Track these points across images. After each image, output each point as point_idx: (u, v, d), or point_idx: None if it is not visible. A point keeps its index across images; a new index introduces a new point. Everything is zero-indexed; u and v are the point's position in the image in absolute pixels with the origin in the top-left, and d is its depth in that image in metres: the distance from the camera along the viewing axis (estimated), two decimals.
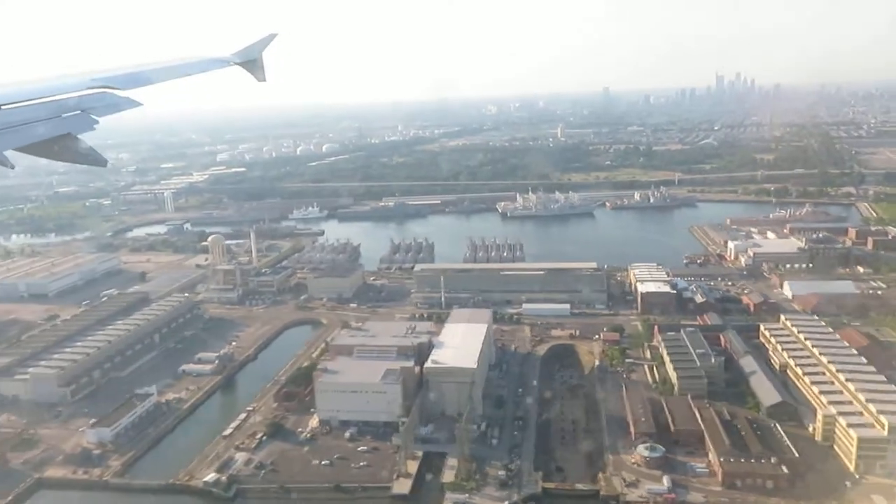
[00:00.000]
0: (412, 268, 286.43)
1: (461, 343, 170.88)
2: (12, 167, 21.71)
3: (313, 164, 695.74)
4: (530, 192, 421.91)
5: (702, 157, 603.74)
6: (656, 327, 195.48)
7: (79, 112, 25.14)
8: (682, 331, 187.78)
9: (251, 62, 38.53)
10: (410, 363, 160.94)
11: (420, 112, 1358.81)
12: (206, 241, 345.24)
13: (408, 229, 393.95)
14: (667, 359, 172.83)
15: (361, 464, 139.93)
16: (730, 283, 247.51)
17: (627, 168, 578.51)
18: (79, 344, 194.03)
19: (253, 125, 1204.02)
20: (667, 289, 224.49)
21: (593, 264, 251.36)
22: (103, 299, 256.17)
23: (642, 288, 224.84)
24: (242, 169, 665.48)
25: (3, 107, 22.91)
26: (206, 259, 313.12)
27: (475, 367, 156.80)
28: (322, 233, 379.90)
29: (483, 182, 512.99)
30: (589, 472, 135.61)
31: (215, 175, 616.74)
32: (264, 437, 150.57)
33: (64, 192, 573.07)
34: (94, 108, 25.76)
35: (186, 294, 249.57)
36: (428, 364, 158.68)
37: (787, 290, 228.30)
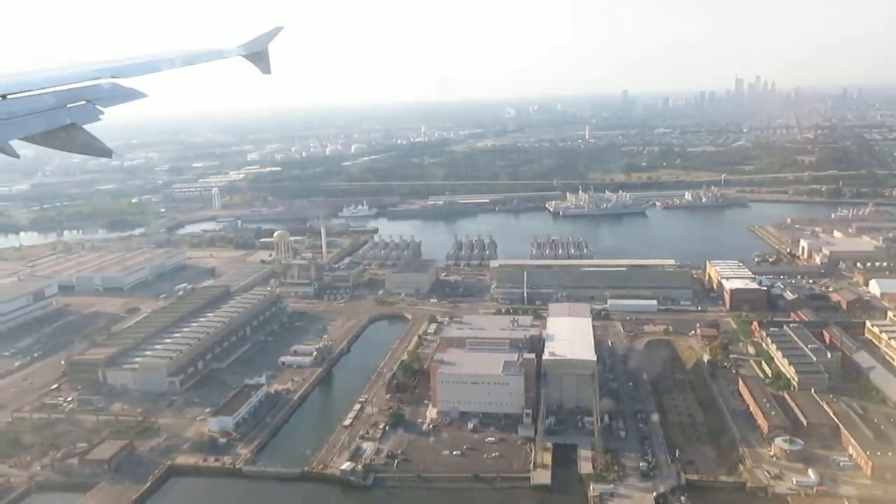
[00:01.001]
0: (479, 264, 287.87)
1: (571, 336, 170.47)
2: (17, 157, 21.94)
3: (347, 163, 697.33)
4: (580, 192, 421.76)
5: (740, 159, 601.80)
6: (755, 323, 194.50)
7: (84, 102, 25.02)
8: (784, 327, 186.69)
9: (256, 55, 38.41)
10: (528, 355, 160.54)
11: (438, 113, 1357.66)
12: (264, 237, 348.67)
13: (460, 227, 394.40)
14: (777, 354, 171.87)
15: (493, 454, 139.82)
16: (811, 282, 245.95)
17: (666, 169, 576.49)
18: (178, 335, 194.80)
19: (270, 126, 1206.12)
20: (754, 285, 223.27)
21: (672, 261, 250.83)
22: (179, 293, 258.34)
23: (729, 285, 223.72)
24: (278, 168, 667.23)
25: (8, 97, 22.80)
26: (271, 255, 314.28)
27: (595, 359, 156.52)
28: (376, 230, 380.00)
29: (526, 181, 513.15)
30: (722, 464, 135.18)
31: (253, 174, 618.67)
32: (387, 428, 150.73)
33: (105, 189, 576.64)
34: (100, 99, 25.69)
35: (269, 288, 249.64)
36: (546, 356, 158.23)
37: (875, 288, 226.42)
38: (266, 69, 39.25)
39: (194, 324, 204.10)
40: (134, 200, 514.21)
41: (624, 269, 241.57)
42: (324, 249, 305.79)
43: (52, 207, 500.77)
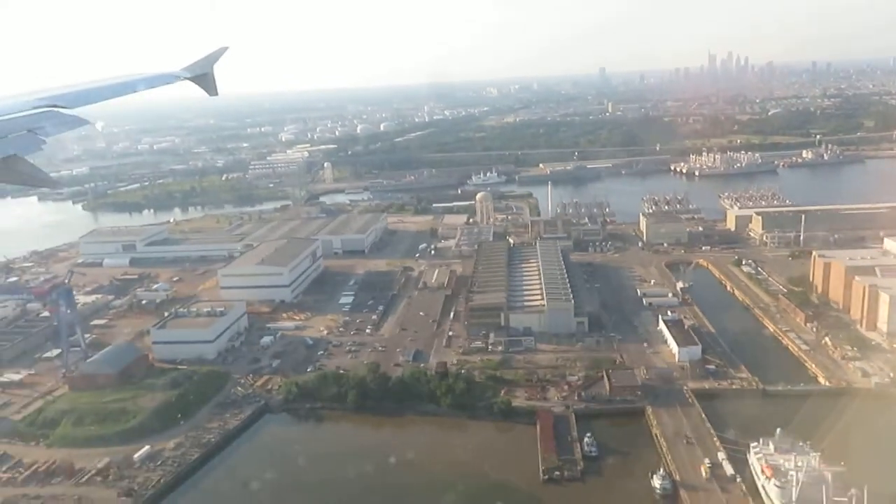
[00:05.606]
0: (692, 218, 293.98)
1: None
2: None
3: (399, 139, 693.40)
4: (705, 153, 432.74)
5: (799, 123, 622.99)
6: None
7: (24, 132, 24.34)
8: None
9: (202, 76, 38.23)
10: None
11: (418, 95, 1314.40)
12: (436, 202, 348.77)
13: (590, 189, 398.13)
14: None
15: None
16: None
17: (736, 134, 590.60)
18: (531, 283, 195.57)
19: (252, 111, 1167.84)
20: None
21: None
22: (431, 252, 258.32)
23: None
24: (332, 146, 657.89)
25: None
26: (470, 218, 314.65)
27: None
28: (531, 195, 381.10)
29: (619, 148, 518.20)
30: None
31: (320, 151, 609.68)
32: (855, 348, 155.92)
33: (178, 169, 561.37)
34: (41, 128, 25.10)
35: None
36: None
37: None
38: (212, 91, 38.58)
39: (532, 273, 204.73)
40: (225, 178, 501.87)
41: (884, 210, 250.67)
42: (549, 208, 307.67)
43: (146, 187, 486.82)
